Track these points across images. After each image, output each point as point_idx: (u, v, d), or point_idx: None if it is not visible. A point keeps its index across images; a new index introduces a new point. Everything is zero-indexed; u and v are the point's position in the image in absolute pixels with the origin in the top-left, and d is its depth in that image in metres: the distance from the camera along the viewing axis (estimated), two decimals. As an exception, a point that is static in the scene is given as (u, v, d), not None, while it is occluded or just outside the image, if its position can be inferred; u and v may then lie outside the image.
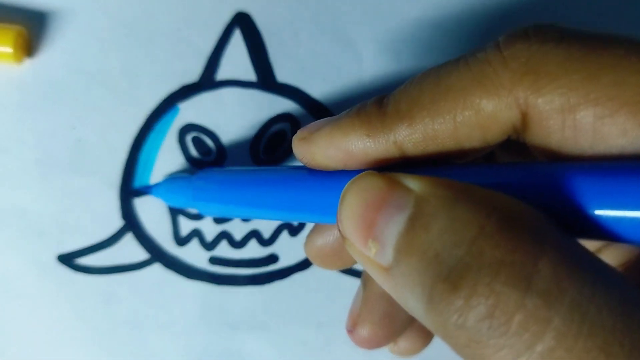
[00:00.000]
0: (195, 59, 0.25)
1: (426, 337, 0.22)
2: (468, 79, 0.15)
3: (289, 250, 0.25)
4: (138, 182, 0.25)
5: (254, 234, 0.25)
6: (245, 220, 0.25)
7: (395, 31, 0.26)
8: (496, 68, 0.14)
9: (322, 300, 0.26)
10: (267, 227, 0.25)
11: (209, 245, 0.25)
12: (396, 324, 0.20)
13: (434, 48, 0.26)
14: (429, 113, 0.15)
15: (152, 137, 0.25)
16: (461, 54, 0.24)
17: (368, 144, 0.16)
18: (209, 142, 0.25)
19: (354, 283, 0.26)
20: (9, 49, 0.24)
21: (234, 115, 0.25)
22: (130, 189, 0.25)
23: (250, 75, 0.26)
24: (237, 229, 0.25)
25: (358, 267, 0.26)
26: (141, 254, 0.25)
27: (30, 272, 0.25)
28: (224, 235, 0.25)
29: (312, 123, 0.18)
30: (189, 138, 0.25)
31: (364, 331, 0.20)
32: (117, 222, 0.25)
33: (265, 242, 0.25)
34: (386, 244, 0.14)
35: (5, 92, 0.25)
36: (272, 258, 0.25)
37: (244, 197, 0.20)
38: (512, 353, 0.12)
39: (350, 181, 0.15)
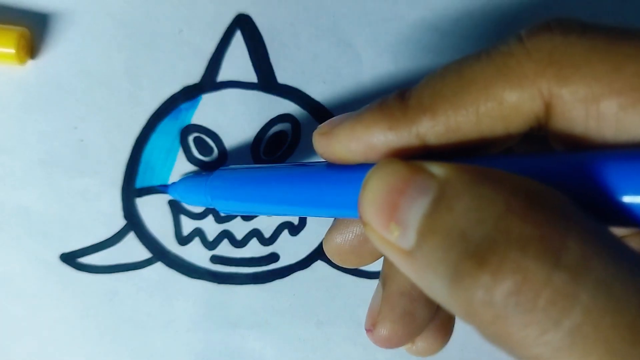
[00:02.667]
0: (196, 60, 0.26)
1: (444, 336, 0.21)
2: (491, 70, 0.15)
3: (289, 249, 0.26)
4: (140, 182, 0.25)
5: (255, 233, 0.26)
6: (246, 219, 0.26)
7: (394, 33, 0.26)
8: (519, 59, 0.14)
9: (322, 299, 0.26)
10: (267, 226, 0.26)
11: (210, 245, 0.25)
12: (416, 322, 0.19)
13: (432, 50, 0.26)
14: (451, 105, 0.15)
15: (154, 137, 0.25)
16: (459, 55, 0.24)
17: (390, 137, 0.16)
18: (210, 142, 0.25)
19: (354, 282, 0.26)
20: (11, 50, 0.24)
21: (235, 116, 0.26)
22: (132, 189, 0.25)
23: (251, 76, 0.26)
24: (238, 228, 0.26)
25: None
26: (143, 253, 0.25)
27: (33, 271, 0.25)
28: (225, 235, 0.26)
29: (332, 118, 0.18)
30: (190, 139, 0.25)
31: (384, 330, 0.20)
32: (120, 222, 0.25)
33: (266, 241, 0.26)
34: (409, 226, 0.13)
35: (9, 93, 0.25)
36: (273, 257, 0.26)
37: (262, 194, 0.20)
38: (539, 329, 0.12)
39: (373, 167, 0.15)
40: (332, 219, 0.26)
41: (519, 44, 0.15)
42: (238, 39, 0.26)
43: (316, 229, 0.26)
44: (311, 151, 0.26)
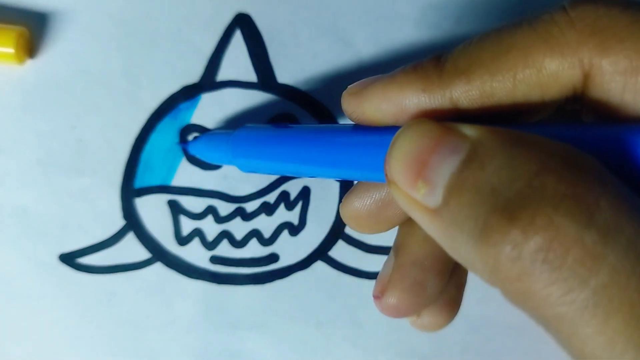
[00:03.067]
0: (196, 59, 0.26)
1: (450, 312, 0.21)
2: (532, 37, 0.15)
3: (289, 249, 0.26)
4: (139, 182, 0.25)
5: (255, 234, 0.25)
6: (245, 219, 0.25)
7: (395, 32, 0.26)
8: (562, 28, 0.14)
9: (322, 300, 0.26)
10: (267, 226, 0.26)
11: (210, 245, 0.25)
12: (426, 293, 0.19)
13: (432, 49, 0.26)
14: (488, 70, 0.15)
15: (153, 137, 0.25)
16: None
17: (423, 99, 0.16)
18: (210, 142, 0.25)
19: (354, 282, 0.26)
20: (10, 50, 0.24)
21: (234, 115, 0.26)
22: (131, 189, 0.25)
23: (250, 75, 0.26)
24: (238, 228, 0.25)
25: (360, 266, 0.26)
26: (142, 253, 0.25)
27: (31, 271, 0.25)
28: (225, 235, 0.25)
29: (363, 80, 0.17)
30: (190, 138, 0.25)
31: (393, 298, 0.19)
32: (119, 222, 0.25)
33: (265, 242, 0.26)
34: (437, 184, 0.13)
35: (7, 92, 0.25)
36: (273, 257, 0.26)
37: (285, 154, 0.20)
38: (564, 287, 0.12)
39: (403, 126, 0.15)
40: (331, 223, 0.26)
41: (562, 13, 0.15)
42: (238, 38, 0.26)
43: (316, 230, 0.26)
44: (311, 151, 0.26)
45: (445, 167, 0.13)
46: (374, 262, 0.26)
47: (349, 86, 0.18)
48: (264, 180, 0.26)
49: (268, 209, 0.26)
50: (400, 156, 0.14)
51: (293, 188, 0.26)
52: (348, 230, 0.26)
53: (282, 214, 0.26)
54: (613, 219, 0.12)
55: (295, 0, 0.26)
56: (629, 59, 0.14)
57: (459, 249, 0.13)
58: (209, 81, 0.26)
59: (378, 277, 0.20)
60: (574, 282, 0.12)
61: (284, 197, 0.26)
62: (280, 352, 0.25)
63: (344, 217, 0.21)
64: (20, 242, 0.25)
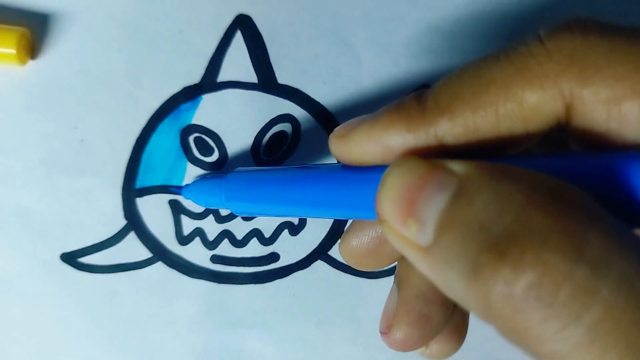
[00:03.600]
0: (197, 60, 0.26)
1: (458, 339, 0.21)
2: (510, 71, 0.15)
3: (289, 249, 0.26)
4: (140, 182, 0.25)
5: (255, 233, 0.26)
6: (246, 219, 0.26)
7: (394, 33, 0.26)
8: (540, 60, 0.14)
9: (322, 299, 0.26)
10: (267, 226, 0.26)
11: (210, 244, 0.26)
12: (432, 325, 0.19)
13: (432, 50, 0.26)
14: (470, 106, 0.15)
15: (154, 137, 0.25)
16: (459, 56, 0.24)
17: (408, 138, 0.16)
18: (210, 142, 0.26)
19: (354, 282, 0.26)
20: (12, 51, 0.24)
21: (235, 116, 0.26)
22: (132, 189, 0.25)
23: (251, 76, 0.26)
24: (239, 228, 0.26)
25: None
26: (144, 253, 0.25)
27: (33, 271, 0.25)
28: (226, 234, 0.26)
29: (348, 121, 0.18)
30: (191, 139, 0.26)
31: (400, 333, 0.19)
32: (120, 222, 0.25)
33: (266, 241, 0.26)
34: (427, 221, 0.13)
35: (9, 93, 0.25)
36: (273, 257, 0.26)
37: (277, 196, 0.20)
38: (559, 324, 0.11)
39: (391, 165, 0.15)
40: (330, 222, 0.26)
41: (538, 45, 0.14)
42: (238, 39, 0.26)
43: (316, 229, 0.26)
44: (311, 151, 0.26)
45: (434, 204, 0.13)
46: (373, 262, 0.26)
47: (335, 129, 0.18)
48: (265, 180, 0.26)
49: (268, 208, 0.26)
50: (390, 195, 0.14)
51: (293, 188, 0.26)
52: (348, 229, 0.26)
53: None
54: (603, 252, 0.12)
55: (296, 1, 0.26)
56: (610, 87, 0.14)
57: (452, 286, 0.13)
58: (209, 82, 0.26)
59: (383, 312, 0.20)
60: (568, 319, 0.11)
61: (284, 197, 0.26)
62: (281, 351, 0.26)
63: (344, 257, 0.21)
64: (22, 242, 0.25)
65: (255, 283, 0.26)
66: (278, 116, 0.26)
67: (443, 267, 0.13)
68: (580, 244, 0.12)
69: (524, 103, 0.14)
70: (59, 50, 0.25)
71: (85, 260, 0.25)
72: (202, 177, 0.25)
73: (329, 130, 0.26)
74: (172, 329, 0.25)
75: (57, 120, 0.25)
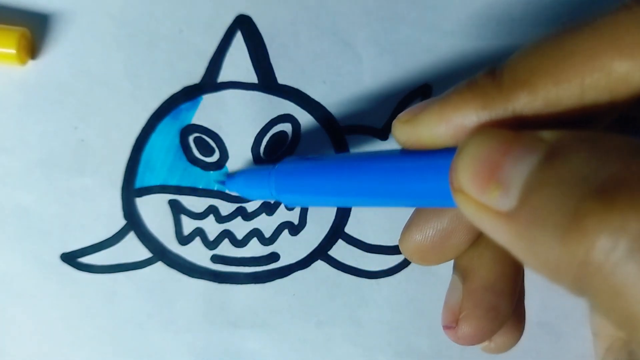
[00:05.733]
0: (197, 60, 0.26)
1: (520, 329, 0.20)
2: (596, 40, 0.14)
3: (289, 249, 0.26)
4: (140, 182, 0.25)
5: (255, 233, 0.26)
6: (246, 219, 0.26)
7: (394, 32, 0.26)
8: (629, 28, 0.14)
9: (322, 299, 0.26)
10: (268, 226, 0.26)
11: (211, 244, 0.26)
12: (501, 317, 0.18)
13: (432, 49, 0.26)
14: (552, 78, 0.14)
15: (154, 137, 0.25)
16: (459, 55, 0.24)
17: (483, 116, 0.15)
18: (211, 142, 0.26)
19: (354, 282, 0.26)
20: (12, 51, 0.24)
21: (235, 116, 0.26)
22: (132, 189, 0.25)
23: (251, 77, 0.26)
24: (239, 228, 0.26)
25: (360, 265, 0.26)
26: (143, 253, 0.25)
27: (33, 271, 0.25)
28: (226, 234, 0.26)
29: (412, 107, 0.17)
30: (191, 139, 0.26)
31: (469, 327, 0.18)
32: (120, 221, 0.25)
33: (266, 241, 0.26)
34: (511, 185, 0.13)
35: (9, 93, 0.25)
36: (273, 256, 0.26)
37: (333, 186, 0.19)
38: None
39: (471, 136, 0.14)
40: (330, 222, 0.26)
41: (627, 12, 0.14)
42: (238, 39, 0.26)
43: (316, 229, 0.26)
44: (311, 151, 0.26)
45: (521, 167, 0.13)
46: (373, 261, 0.26)
47: (399, 114, 0.17)
48: (265, 180, 0.26)
49: (268, 208, 0.26)
50: (469, 161, 0.13)
51: (293, 188, 0.26)
52: (348, 229, 0.26)
53: (283, 214, 0.26)
54: None
55: (296, 1, 0.26)
56: None
57: (540, 250, 0.12)
58: (209, 82, 0.26)
59: (445, 306, 0.19)
60: None
61: (284, 197, 0.26)
62: (281, 351, 0.26)
63: (406, 253, 0.20)
64: (21, 242, 0.25)
65: (255, 283, 0.26)
66: (278, 116, 0.26)
67: (531, 229, 0.12)
68: None
69: (612, 73, 0.14)
70: (59, 50, 0.25)
71: (85, 260, 0.25)
72: (249, 169, 0.24)
73: (329, 130, 0.26)
74: (171, 329, 0.25)
75: (56, 120, 0.25)
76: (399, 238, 0.20)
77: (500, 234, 0.13)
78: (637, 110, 0.15)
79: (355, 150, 0.26)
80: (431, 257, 0.19)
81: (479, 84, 0.15)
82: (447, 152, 0.15)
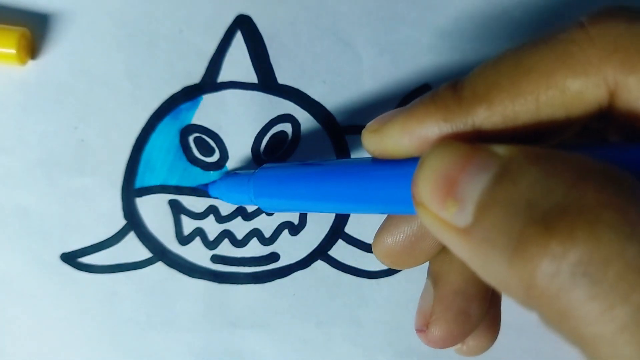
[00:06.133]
0: (197, 60, 0.26)
1: (493, 333, 0.21)
2: (551, 58, 0.14)
3: (289, 249, 0.26)
4: (140, 182, 0.25)
5: (255, 233, 0.26)
6: (246, 219, 0.26)
7: (394, 33, 0.26)
8: (583, 46, 0.14)
9: (322, 299, 0.26)
10: (268, 226, 0.26)
11: (211, 244, 0.26)
12: (471, 321, 0.19)
13: (432, 49, 0.26)
14: (509, 95, 0.15)
15: (154, 137, 0.25)
16: (459, 55, 0.24)
17: (444, 128, 0.15)
18: (211, 142, 0.26)
19: (354, 282, 0.26)
20: (12, 51, 0.24)
21: (235, 116, 0.26)
22: (132, 189, 0.25)
23: (251, 77, 0.26)
24: (239, 228, 0.26)
25: (360, 265, 0.26)
26: (144, 253, 0.25)
27: (33, 271, 0.25)
28: (226, 234, 0.26)
29: (379, 116, 0.17)
30: (191, 139, 0.26)
31: (439, 331, 0.19)
32: (120, 222, 0.25)
33: (266, 241, 0.26)
34: (467, 202, 0.13)
35: (9, 93, 0.25)
36: (273, 256, 0.26)
37: (307, 191, 0.20)
38: (604, 304, 0.11)
39: (430, 148, 0.14)
40: (330, 222, 0.26)
41: (581, 31, 0.14)
42: (238, 39, 0.26)
43: (316, 229, 0.26)
44: (311, 151, 0.26)
45: (476, 184, 0.13)
46: (373, 261, 0.26)
47: (367, 124, 0.17)
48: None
49: (268, 208, 0.26)
50: (428, 176, 0.14)
51: (293, 188, 0.26)
52: (348, 229, 0.26)
53: (283, 214, 0.26)
54: None
55: (296, 1, 0.26)
56: None
57: (492, 268, 0.13)
58: (209, 82, 0.26)
59: (418, 310, 0.20)
60: (615, 298, 0.11)
61: (284, 197, 0.26)
62: (281, 351, 0.26)
63: (378, 256, 0.20)
64: (22, 242, 0.25)
65: (255, 283, 0.26)
66: (278, 116, 0.26)
67: (483, 247, 0.13)
68: (632, 223, 0.11)
69: (566, 90, 0.14)
70: (59, 50, 0.25)
71: (85, 260, 0.25)
72: (230, 174, 0.25)
73: (329, 130, 0.26)
74: (171, 329, 0.25)
75: (57, 120, 0.25)
76: (372, 247, 0.20)
77: (458, 248, 0.14)
78: (596, 123, 0.15)
79: (355, 150, 0.26)
80: (402, 260, 0.20)
81: (441, 97, 0.16)
82: (412, 162, 0.16)
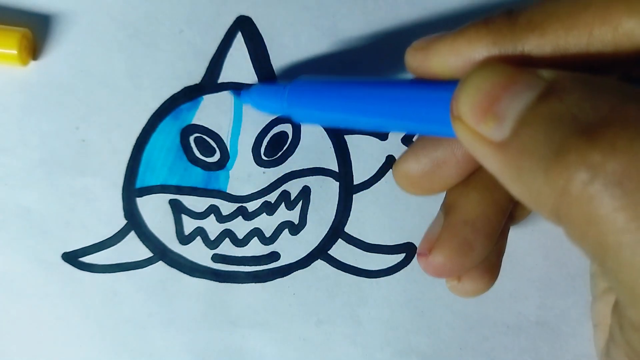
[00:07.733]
0: (197, 61, 0.26)
1: (491, 277, 0.21)
2: None
3: (290, 248, 0.26)
4: (141, 182, 0.25)
5: (256, 233, 0.26)
6: (247, 218, 0.26)
7: (395, 34, 0.26)
8: None
9: (322, 298, 0.26)
10: (268, 225, 0.26)
11: (211, 244, 0.26)
12: (473, 254, 0.19)
13: (431, 51, 0.26)
14: (563, 25, 0.15)
15: (154, 137, 0.26)
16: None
17: (493, 52, 0.16)
18: (211, 142, 0.26)
19: (354, 281, 0.26)
20: (14, 51, 0.24)
21: (235, 116, 0.26)
22: (133, 189, 0.25)
23: (251, 77, 0.26)
24: (240, 227, 0.26)
25: (360, 265, 0.26)
26: (144, 252, 0.25)
27: (35, 270, 0.25)
28: (227, 234, 0.26)
29: (427, 36, 0.17)
30: (191, 139, 0.26)
31: (440, 257, 0.19)
32: (121, 221, 0.25)
33: (266, 241, 0.26)
34: (507, 117, 0.13)
35: (11, 93, 0.25)
36: (274, 256, 0.26)
37: (345, 105, 0.20)
38: (632, 214, 0.11)
39: (475, 68, 0.14)
40: (330, 222, 0.26)
41: None
42: (239, 40, 0.26)
43: (316, 229, 0.26)
44: (312, 151, 0.26)
45: (519, 102, 0.13)
46: (373, 261, 0.26)
47: (414, 42, 0.18)
48: (265, 180, 0.26)
49: (269, 208, 0.26)
50: (471, 91, 0.14)
51: (293, 188, 0.26)
52: (348, 229, 0.26)
53: (283, 213, 0.26)
54: None
55: (296, 2, 0.26)
56: None
57: (525, 179, 0.13)
58: (210, 83, 0.26)
59: (425, 235, 0.20)
60: None
61: (285, 196, 0.26)
62: (281, 350, 0.26)
63: (397, 177, 0.20)
64: (23, 241, 0.25)
65: (256, 282, 0.26)
66: (278, 117, 0.26)
67: (519, 158, 0.13)
68: None
69: (619, 28, 0.14)
70: (60, 51, 0.25)
71: (86, 259, 0.25)
72: (264, 83, 0.24)
73: (329, 130, 0.26)
74: (172, 328, 0.25)
75: (58, 120, 0.25)
76: (393, 170, 0.20)
77: (491, 162, 0.14)
78: (638, 69, 0.15)
79: (355, 150, 0.26)
80: (420, 185, 0.20)
81: (495, 22, 0.16)
82: (452, 84, 0.16)
